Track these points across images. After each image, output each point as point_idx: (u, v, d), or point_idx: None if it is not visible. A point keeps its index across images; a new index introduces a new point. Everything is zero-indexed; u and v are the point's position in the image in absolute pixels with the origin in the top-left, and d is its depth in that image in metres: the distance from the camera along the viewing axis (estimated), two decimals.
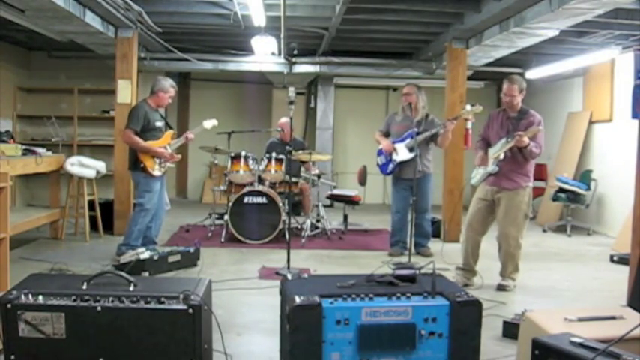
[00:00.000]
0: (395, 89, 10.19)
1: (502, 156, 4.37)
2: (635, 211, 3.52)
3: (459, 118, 5.32)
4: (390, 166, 5.67)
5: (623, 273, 4.04)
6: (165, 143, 5.21)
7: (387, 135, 5.81)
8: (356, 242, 6.41)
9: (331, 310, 2.31)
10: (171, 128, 5.38)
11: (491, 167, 4.44)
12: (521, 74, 8.54)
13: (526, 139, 4.24)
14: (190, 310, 2.32)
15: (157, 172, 5.11)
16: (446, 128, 5.35)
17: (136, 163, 5.08)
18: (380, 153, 5.78)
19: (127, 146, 5.26)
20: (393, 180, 5.80)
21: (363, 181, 7.38)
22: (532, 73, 8.07)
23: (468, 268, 4.59)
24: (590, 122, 7.80)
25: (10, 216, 3.96)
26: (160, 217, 5.35)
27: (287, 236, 4.85)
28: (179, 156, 5.40)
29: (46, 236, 6.20)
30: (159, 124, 5.18)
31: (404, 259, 5.28)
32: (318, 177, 6.71)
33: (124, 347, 2.32)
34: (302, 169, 6.91)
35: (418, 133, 5.38)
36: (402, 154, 5.54)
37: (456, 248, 4.87)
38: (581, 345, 1.97)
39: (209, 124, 5.63)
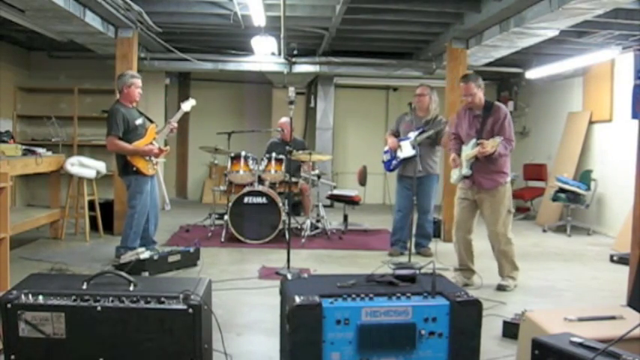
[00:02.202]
0: (395, 89, 10.20)
1: (473, 160, 4.37)
2: (635, 211, 3.52)
3: None
4: (393, 163, 5.70)
5: (623, 273, 4.04)
6: (150, 139, 5.09)
7: (397, 135, 5.82)
8: (356, 242, 6.41)
9: (331, 310, 2.31)
10: (152, 122, 5.25)
11: (465, 170, 4.43)
12: (522, 74, 8.57)
13: (489, 149, 4.21)
14: (190, 310, 2.32)
15: (151, 171, 5.07)
16: (450, 124, 5.35)
17: (126, 168, 4.97)
18: (387, 151, 5.81)
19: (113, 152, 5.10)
20: (398, 178, 5.81)
21: (363, 181, 7.38)
22: (532, 73, 8.07)
23: (465, 268, 4.60)
24: (590, 122, 7.79)
25: (10, 216, 3.96)
26: (154, 217, 5.27)
27: (287, 236, 4.84)
28: (168, 148, 5.33)
29: (46, 236, 6.19)
30: (139, 121, 5.05)
31: (404, 259, 5.28)
32: (318, 177, 6.71)
33: (124, 347, 2.32)
34: (302, 168, 6.91)
35: (423, 132, 5.40)
36: (406, 151, 5.56)
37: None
38: (581, 345, 1.98)
39: (188, 105, 5.40)
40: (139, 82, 5.09)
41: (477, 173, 4.40)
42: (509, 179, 4.47)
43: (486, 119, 4.38)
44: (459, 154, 4.54)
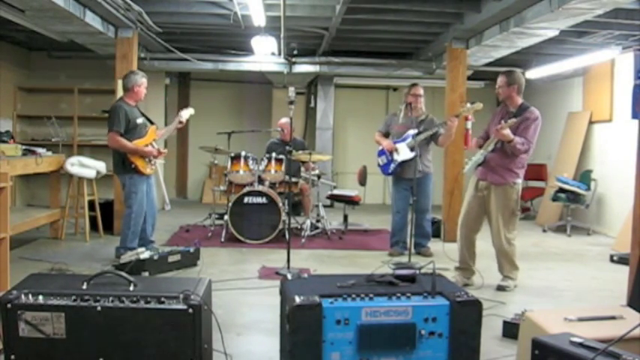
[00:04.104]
0: (395, 89, 10.19)
1: (491, 147, 4.40)
2: (635, 211, 3.52)
3: (460, 115, 5.31)
4: (392, 166, 5.68)
5: (623, 273, 4.04)
6: (150, 140, 5.11)
7: (386, 135, 5.81)
8: (356, 242, 6.41)
9: (331, 310, 2.31)
10: (152, 123, 5.27)
11: (478, 156, 4.47)
12: (521, 74, 8.56)
13: (505, 132, 4.22)
14: (190, 310, 2.32)
15: (148, 171, 5.07)
16: (448, 125, 5.36)
17: (124, 165, 4.97)
18: (381, 153, 5.78)
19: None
20: (394, 180, 5.80)
21: (363, 181, 7.38)
22: (532, 73, 8.07)
23: (466, 267, 4.60)
24: (590, 122, 7.80)
25: (10, 216, 3.96)
26: (151, 217, 5.27)
27: (287, 236, 4.84)
28: (166, 150, 5.34)
29: (46, 236, 6.19)
30: (139, 121, 5.06)
31: (404, 259, 5.28)
32: (318, 177, 6.71)
33: (124, 347, 2.32)
34: (302, 169, 6.91)
35: (419, 133, 5.40)
36: (403, 153, 5.55)
37: (456, 248, 4.87)
38: (581, 345, 1.97)
39: (186, 113, 5.49)
40: (146, 82, 5.16)
41: (488, 164, 4.42)
42: (518, 181, 4.45)
43: (516, 117, 4.39)
44: (480, 147, 4.56)
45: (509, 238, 4.43)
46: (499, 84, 4.51)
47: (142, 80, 5.08)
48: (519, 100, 4.49)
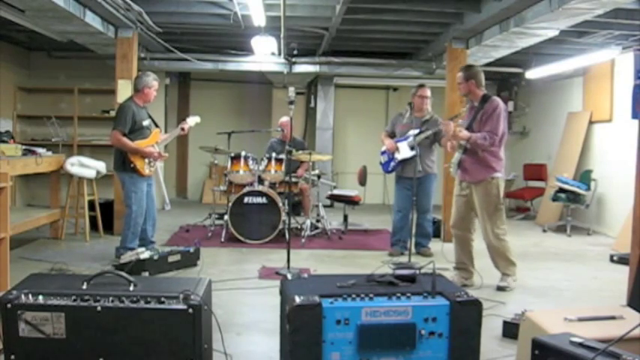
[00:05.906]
0: (395, 89, 10.19)
1: (462, 148, 4.41)
2: (635, 211, 3.51)
3: (459, 117, 5.29)
4: (392, 164, 5.70)
5: (623, 273, 4.03)
6: (152, 142, 5.12)
7: (392, 135, 5.82)
8: (356, 242, 6.41)
9: (331, 310, 2.31)
10: (157, 126, 5.30)
11: (455, 158, 4.50)
12: (522, 74, 8.57)
13: (462, 134, 4.25)
14: (190, 310, 2.32)
15: (147, 172, 5.08)
16: (444, 126, 5.35)
17: (124, 164, 4.99)
18: (384, 152, 5.80)
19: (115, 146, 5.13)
20: (396, 179, 5.81)
21: (363, 181, 7.38)
22: (532, 73, 8.07)
23: (463, 267, 4.59)
24: (590, 122, 7.80)
25: (10, 216, 3.96)
26: (152, 218, 5.27)
27: (287, 236, 4.85)
28: (167, 155, 5.35)
29: (46, 236, 6.19)
30: (146, 123, 5.08)
31: (404, 259, 5.28)
32: (318, 177, 6.71)
33: (124, 347, 2.32)
34: (299, 170, 6.91)
35: (420, 132, 5.41)
36: (404, 152, 5.56)
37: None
38: (581, 345, 1.97)
39: (192, 120, 5.51)
40: (157, 84, 5.17)
41: (463, 164, 4.44)
42: (497, 175, 4.39)
43: (479, 110, 4.39)
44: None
45: (497, 233, 4.40)
46: (457, 80, 4.50)
47: (152, 83, 5.10)
48: (481, 93, 4.46)
